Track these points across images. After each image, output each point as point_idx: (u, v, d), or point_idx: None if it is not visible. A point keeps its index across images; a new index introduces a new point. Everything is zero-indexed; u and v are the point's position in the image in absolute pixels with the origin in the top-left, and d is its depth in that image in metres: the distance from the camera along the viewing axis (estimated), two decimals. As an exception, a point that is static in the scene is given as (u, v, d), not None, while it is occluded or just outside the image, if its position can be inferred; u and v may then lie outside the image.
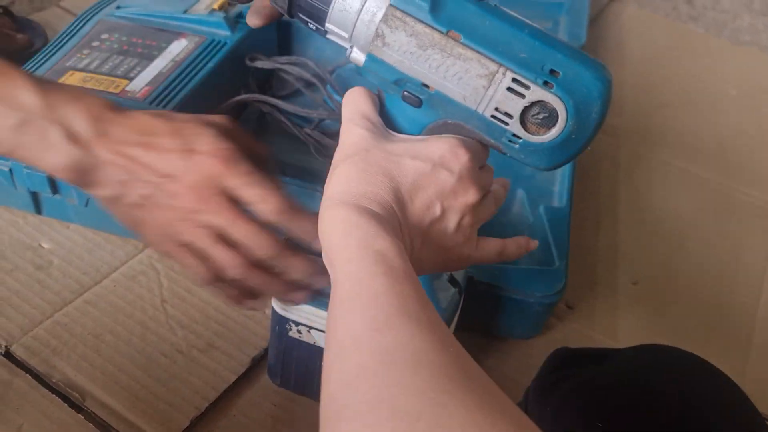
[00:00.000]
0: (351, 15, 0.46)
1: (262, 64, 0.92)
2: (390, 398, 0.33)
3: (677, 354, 0.58)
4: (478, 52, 0.44)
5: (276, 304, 0.61)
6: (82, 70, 0.82)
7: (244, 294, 0.56)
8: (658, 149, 1.09)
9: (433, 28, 0.44)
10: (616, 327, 0.83)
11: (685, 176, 1.05)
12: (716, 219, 0.99)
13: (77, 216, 0.82)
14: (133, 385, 0.69)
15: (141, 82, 0.80)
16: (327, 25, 0.48)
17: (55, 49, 0.86)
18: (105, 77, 0.81)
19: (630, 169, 1.05)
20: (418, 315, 0.37)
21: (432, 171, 0.46)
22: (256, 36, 0.92)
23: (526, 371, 0.68)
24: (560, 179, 0.88)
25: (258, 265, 0.54)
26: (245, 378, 0.71)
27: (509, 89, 0.45)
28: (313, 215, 0.47)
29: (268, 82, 0.98)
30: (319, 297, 0.58)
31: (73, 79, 0.80)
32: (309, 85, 0.94)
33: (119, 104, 0.55)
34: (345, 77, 0.98)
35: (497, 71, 0.44)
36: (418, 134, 0.49)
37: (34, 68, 0.83)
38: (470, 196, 0.47)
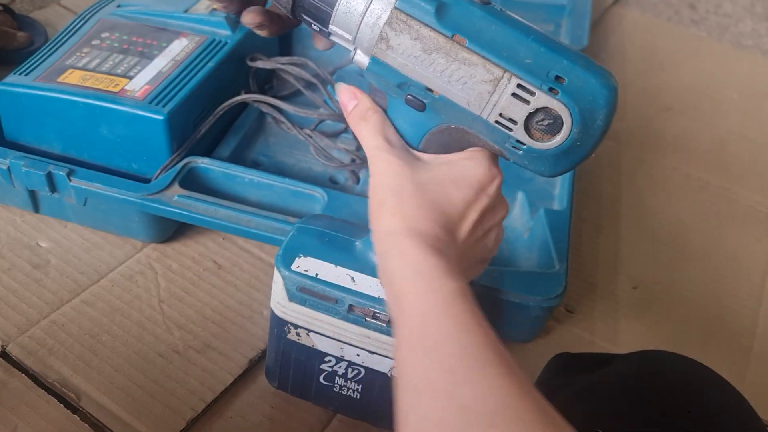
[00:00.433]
0: (355, 17, 0.46)
1: (263, 64, 0.91)
2: None
3: (678, 360, 0.58)
4: (483, 57, 0.44)
5: (275, 307, 0.61)
6: (81, 68, 0.81)
7: None
8: (660, 153, 1.09)
9: (438, 32, 0.44)
10: (616, 331, 0.83)
11: (687, 180, 1.05)
12: (717, 224, 0.99)
13: (75, 215, 0.81)
14: (130, 386, 0.68)
15: (141, 81, 0.80)
16: (331, 26, 0.47)
17: (55, 47, 0.86)
18: (104, 76, 0.80)
19: (631, 172, 1.05)
20: (495, 363, 0.38)
21: (476, 197, 0.48)
22: (256, 36, 0.91)
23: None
24: (561, 182, 0.88)
25: None
26: (242, 379, 0.71)
27: (514, 95, 0.44)
28: None
29: (269, 82, 0.98)
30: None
31: (72, 77, 0.80)
32: (309, 85, 0.94)
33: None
34: (346, 78, 0.98)
35: (502, 77, 0.44)
36: (421, 138, 0.49)
37: (34, 66, 0.82)
38: (504, 210, 0.50)
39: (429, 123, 0.48)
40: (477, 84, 0.44)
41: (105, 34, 0.87)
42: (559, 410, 0.57)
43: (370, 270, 0.57)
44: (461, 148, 0.49)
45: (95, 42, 0.86)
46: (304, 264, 0.58)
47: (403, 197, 0.46)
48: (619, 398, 0.55)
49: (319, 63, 0.92)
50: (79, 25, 0.89)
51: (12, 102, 0.80)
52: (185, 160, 0.79)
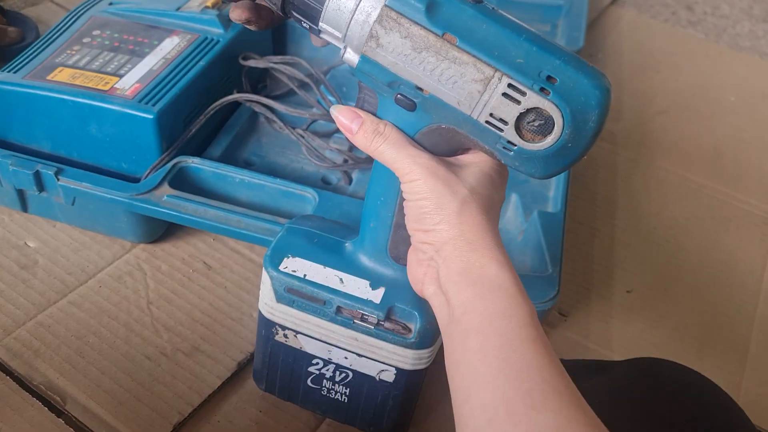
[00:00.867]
0: (345, 15, 0.45)
1: (256, 63, 0.91)
2: None
3: (672, 368, 0.57)
4: (473, 56, 0.43)
5: (263, 308, 0.60)
6: (71, 66, 0.80)
7: None
8: (655, 155, 1.08)
9: (428, 30, 0.43)
10: (610, 335, 0.82)
11: (682, 183, 1.04)
12: (712, 227, 0.98)
13: (64, 214, 0.80)
14: (116, 389, 0.67)
15: (131, 79, 0.79)
16: (320, 24, 0.46)
17: (46, 44, 0.85)
18: (94, 74, 0.79)
19: (626, 175, 1.04)
20: (567, 393, 0.40)
21: (501, 197, 0.50)
22: (249, 35, 0.91)
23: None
24: (555, 184, 0.87)
25: None
26: (230, 383, 0.70)
27: (505, 95, 0.43)
28: None
29: (262, 81, 0.97)
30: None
31: (62, 75, 0.79)
32: (302, 85, 0.93)
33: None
34: (339, 78, 0.97)
35: (493, 76, 0.43)
36: (412, 138, 0.48)
37: (24, 63, 0.81)
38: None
39: (419, 123, 0.47)
40: (467, 83, 0.43)
41: (96, 32, 0.86)
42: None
43: (359, 272, 0.56)
44: (452, 149, 0.49)
45: (86, 39, 0.85)
46: (293, 264, 0.57)
47: (466, 202, 0.46)
48: (613, 407, 0.54)
49: (312, 62, 0.91)
50: (71, 22, 0.89)
51: (0, 100, 0.79)
52: (175, 160, 0.78)
